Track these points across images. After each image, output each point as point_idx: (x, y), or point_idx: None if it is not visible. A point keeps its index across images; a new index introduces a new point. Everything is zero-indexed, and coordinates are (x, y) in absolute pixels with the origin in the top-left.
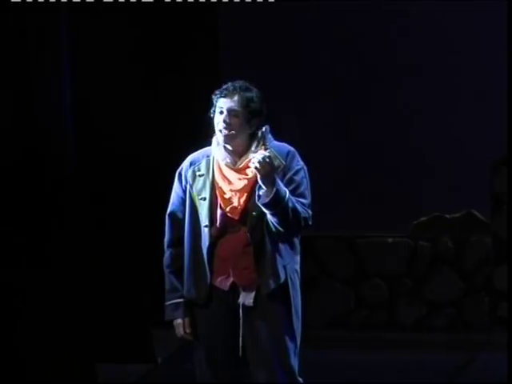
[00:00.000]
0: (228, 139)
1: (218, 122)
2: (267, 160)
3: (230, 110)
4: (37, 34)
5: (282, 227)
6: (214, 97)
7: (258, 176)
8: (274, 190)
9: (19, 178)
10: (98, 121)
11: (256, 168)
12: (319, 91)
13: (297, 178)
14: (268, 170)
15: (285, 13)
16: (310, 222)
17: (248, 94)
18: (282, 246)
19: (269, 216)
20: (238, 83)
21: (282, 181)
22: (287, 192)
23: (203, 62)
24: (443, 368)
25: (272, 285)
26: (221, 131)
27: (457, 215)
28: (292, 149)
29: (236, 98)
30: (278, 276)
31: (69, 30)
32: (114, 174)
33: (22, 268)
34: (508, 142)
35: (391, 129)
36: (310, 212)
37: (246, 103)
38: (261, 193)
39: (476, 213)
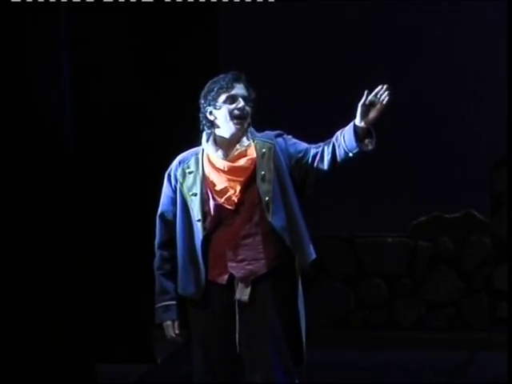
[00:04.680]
0: (240, 127)
1: (231, 110)
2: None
3: (243, 97)
4: (37, 33)
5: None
6: (213, 91)
7: (377, 111)
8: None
9: (19, 176)
10: (98, 121)
11: (383, 101)
12: (319, 91)
13: (297, 140)
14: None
15: (285, 13)
16: None
17: (248, 83)
18: (300, 225)
19: (341, 160)
20: (236, 72)
21: (285, 154)
22: None
23: (203, 61)
24: (443, 368)
25: (309, 259)
26: (237, 120)
27: (456, 215)
28: (278, 131)
29: (243, 85)
30: (311, 251)
31: (69, 29)
32: (115, 175)
33: (21, 267)
34: (508, 141)
35: (391, 129)
36: None
37: (249, 92)
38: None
39: (475, 213)
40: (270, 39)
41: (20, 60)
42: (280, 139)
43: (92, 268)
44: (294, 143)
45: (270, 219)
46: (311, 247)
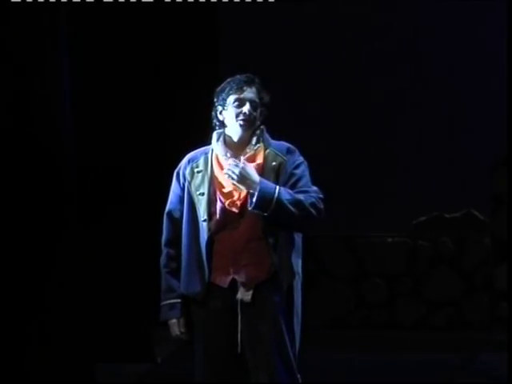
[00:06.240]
0: (246, 131)
1: (237, 113)
2: (239, 166)
3: (251, 101)
4: (37, 34)
5: (288, 224)
6: (225, 92)
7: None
8: (256, 194)
9: (21, 179)
10: (97, 122)
11: (229, 175)
12: (319, 91)
13: (298, 171)
14: (241, 176)
15: (285, 13)
16: (322, 206)
17: (261, 87)
18: (291, 246)
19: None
20: (250, 75)
21: (286, 175)
22: (277, 189)
23: (203, 62)
24: (443, 368)
25: (290, 279)
26: (242, 124)
27: (456, 215)
28: (291, 146)
29: (255, 89)
30: (293, 272)
31: (69, 30)
32: (115, 175)
33: (21, 267)
34: (508, 141)
35: (391, 128)
36: (319, 195)
37: (261, 95)
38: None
39: (475, 212)
40: (270, 39)
41: (20, 60)
42: (291, 158)
43: (93, 268)
44: (296, 177)
45: (262, 235)
46: (290, 274)
